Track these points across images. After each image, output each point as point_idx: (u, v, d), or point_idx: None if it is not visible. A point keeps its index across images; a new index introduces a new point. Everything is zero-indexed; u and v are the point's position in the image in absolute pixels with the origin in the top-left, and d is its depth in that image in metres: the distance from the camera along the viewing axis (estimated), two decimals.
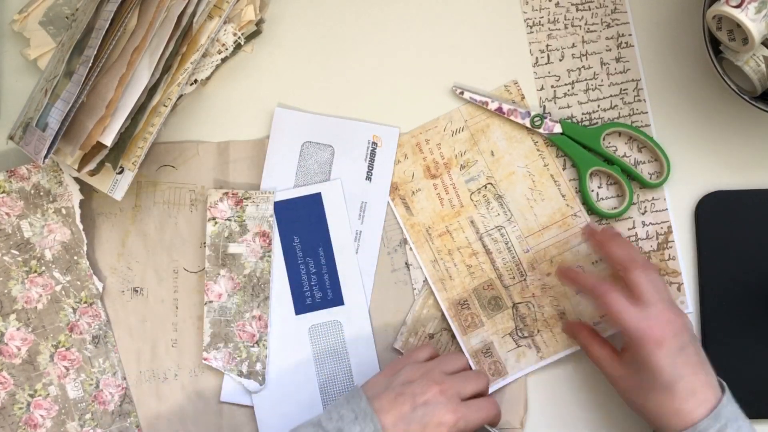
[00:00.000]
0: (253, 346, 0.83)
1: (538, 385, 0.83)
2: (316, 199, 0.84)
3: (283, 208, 0.84)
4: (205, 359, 0.83)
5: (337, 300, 0.84)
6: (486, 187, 0.84)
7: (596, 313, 0.83)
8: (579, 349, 0.81)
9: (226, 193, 0.84)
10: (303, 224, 0.84)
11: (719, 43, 0.79)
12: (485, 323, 0.82)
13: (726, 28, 0.77)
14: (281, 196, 0.84)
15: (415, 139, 0.84)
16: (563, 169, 0.85)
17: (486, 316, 0.82)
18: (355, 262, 0.84)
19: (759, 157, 0.85)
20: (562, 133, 0.84)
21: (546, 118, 0.84)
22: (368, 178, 0.85)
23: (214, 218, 0.84)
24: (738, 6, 0.74)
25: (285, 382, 0.83)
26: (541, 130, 0.84)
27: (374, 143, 0.85)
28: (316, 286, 0.84)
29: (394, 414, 0.72)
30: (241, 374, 0.82)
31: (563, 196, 0.84)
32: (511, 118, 0.84)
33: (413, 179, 0.84)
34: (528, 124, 0.84)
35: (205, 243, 0.84)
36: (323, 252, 0.84)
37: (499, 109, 0.84)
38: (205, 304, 0.83)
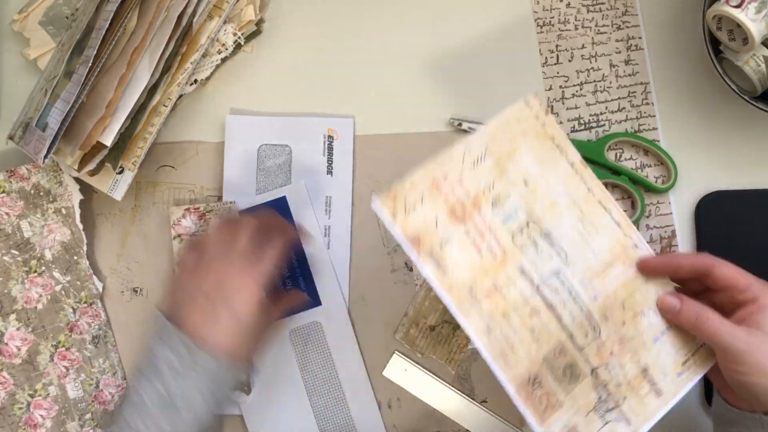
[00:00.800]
0: None
1: None
2: (281, 203, 0.84)
3: (254, 215, 0.83)
4: None
5: (314, 301, 0.84)
6: (528, 226, 0.67)
7: (677, 362, 0.71)
8: (666, 413, 0.71)
9: (188, 209, 0.83)
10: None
11: (719, 43, 0.79)
12: (563, 402, 0.66)
13: (726, 28, 0.78)
14: (246, 203, 0.84)
15: (430, 176, 0.65)
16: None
17: (563, 392, 0.66)
18: (327, 260, 0.84)
19: (759, 157, 0.85)
20: None
21: None
22: (329, 172, 0.85)
23: (179, 235, 0.83)
24: (738, 6, 0.74)
25: (272, 389, 0.83)
26: None
27: (330, 137, 0.85)
28: (292, 290, 0.83)
29: (195, 316, 0.68)
30: None
31: (618, 223, 0.70)
32: None
33: (437, 227, 0.64)
34: None
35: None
36: (294, 254, 0.83)
37: None
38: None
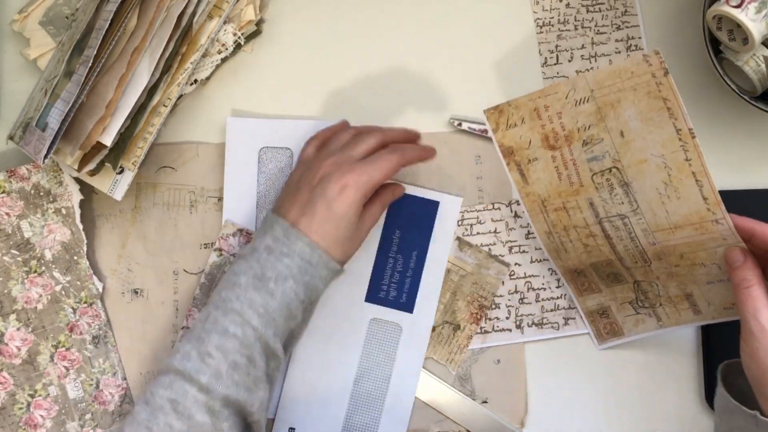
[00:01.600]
0: None
1: (539, 385, 0.83)
2: (432, 206, 0.84)
3: (401, 199, 0.83)
4: None
5: (408, 306, 0.83)
6: (611, 171, 0.73)
7: (728, 301, 0.75)
8: (665, 328, 0.77)
9: (241, 230, 0.83)
10: (410, 223, 0.84)
11: (719, 43, 0.79)
12: (603, 290, 0.80)
13: (726, 28, 0.78)
14: (409, 190, 0.85)
15: (533, 104, 0.73)
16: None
17: (605, 285, 0.79)
18: (439, 279, 0.84)
19: (759, 157, 0.85)
20: None
21: None
22: None
23: (220, 249, 0.83)
24: (738, 6, 0.74)
25: (327, 358, 0.83)
26: None
27: None
28: (395, 284, 0.84)
29: (296, 208, 0.73)
30: None
31: (705, 199, 0.70)
32: None
33: (530, 146, 0.74)
34: None
35: (204, 244, 0.84)
36: (416, 257, 0.84)
37: None
38: (182, 328, 0.83)
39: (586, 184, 0.74)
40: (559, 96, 0.71)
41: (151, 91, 0.79)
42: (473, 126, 0.85)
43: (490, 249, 0.85)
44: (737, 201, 0.83)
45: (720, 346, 0.82)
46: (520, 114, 0.73)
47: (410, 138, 0.80)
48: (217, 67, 0.85)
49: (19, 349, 0.82)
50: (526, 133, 0.74)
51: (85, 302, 0.83)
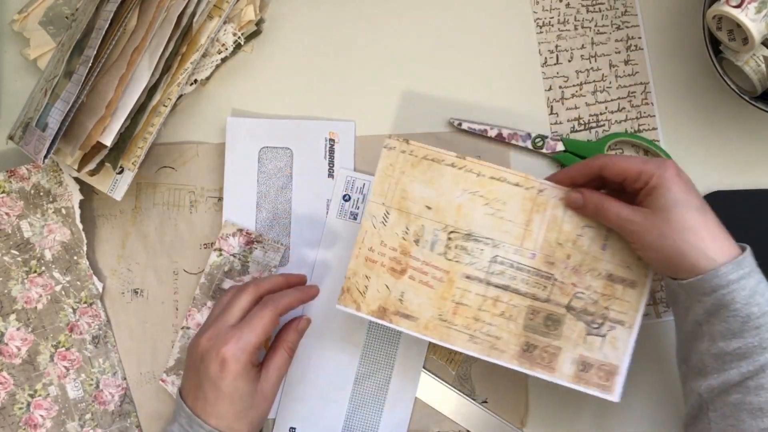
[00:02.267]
0: None
1: (539, 385, 0.83)
2: None
3: None
4: (162, 380, 0.83)
5: None
6: (450, 239, 0.75)
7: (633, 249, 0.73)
8: (634, 326, 0.74)
9: (241, 230, 0.84)
10: None
11: (719, 43, 0.79)
12: (560, 345, 0.74)
13: (726, 28, 0.78)
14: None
15: (361, 257, 0.76)
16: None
17: (556, 339, 0.74)
18: None
19: (759, 157, 0.85)
20: (565, 150, 0.84)
21: (547, 138, 0.84)
22: (330, 175, 0.85)
23: (220, 249, 0.83)
24: (738, 6, 0.74)
25: (327, 360, 0.83)
26: (544, 151, 0.84)
27: (331, 140, 0.85)
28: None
29: (192, 391, 0.72)
30: None
31: (516, 184, 0.74)
32: (513, 142, 0.84)
33: (390, 289, 0.75)
34: (530, 146, 0.84)
35: (204, 244, 0.84)
36: None
37: (500, 135, 0.84)
38: (182, 328, 0.83)
39: (448, 267, 0.75)
40: (370, 233, 0.76)
41: (151, 91, 0.79)
42: (473, 126, 0.85)
43: None
44: (737, 201, 0.83)
45: None
46: (360, 275, 0.76)
47: (290, 282, 0.79)
48: (217, 67, 0.85)
49: (19, 349, 0.82)
50: (378, 283, 0.75)
51: (85, 302, 0.83)
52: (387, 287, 0.75)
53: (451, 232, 0.75)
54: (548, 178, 0.74)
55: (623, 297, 0.74)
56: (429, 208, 0.75)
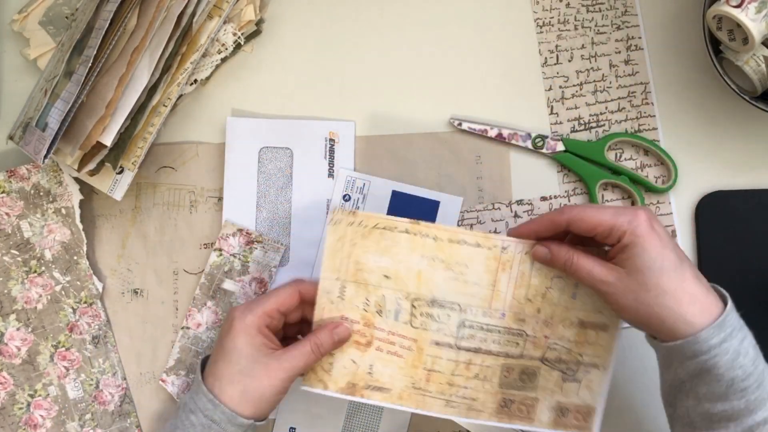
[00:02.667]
0: None
1: None
2: (432, 206, 0.84)
3: (401, 199, 0.84)
4: (162, 380, 0.83)
5: None
6: (414, 306, 0.73)
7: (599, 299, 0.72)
8: (608, 367, 0.74)
9: (241, 230, 0.83)
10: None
11: (719, 43, 0.79)
12: (537, 396, 0.73)
13: (726, 28, 0.78)
14: (404, 189, 0.84)
15: (327, 319, 0.73)
16: (566, 184, 0.82)
17: (532, 391, 0.73)
18: None
19: (759, 157, 0.85)
20: (565, 150, 0.84)
21: (547, 138, 0.84)
22: (330, 175, 0.85)
23: (220, 249, 0.83)
24: (738, 6, 0.74)
25: None
26: (544, 151, 0.84)
27: (331, 140, 0.85)
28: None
29: (210, 359, 0.73)
30: None
31: (477, 245, 0.72)
32: (513, 141, 0.84)
33: (357, 364, 0.73)
34: (530, 146, 0.84)
35: (204, 244, 0.84)
36: None
37: (500, 135, 0.84)
38: (182, 328, 0.83)
39: (415, 336, 0.73)
40: (327, 308, 0.73)
41: (151, 91, 0.79)
42: (473, 126, 0.85)
43: None
44: (737, 201, 0.83)
45: None
46: (329, 361, 0.73)
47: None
48: (217, 67, 0.85)
49: (19, 349, 0.82)
50: (343, 359, 0.73)
51: (85, 302, 0.83)
52: (354, 362, 0.73)
53: (414, 299, 0.73)
54: (512, 231, 0.72)
55: (596, 341, 0.73)
56: (388, 277, 0.73)
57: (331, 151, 0.85)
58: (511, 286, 0.72)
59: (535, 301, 0.73)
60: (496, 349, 0.73)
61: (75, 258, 0.83)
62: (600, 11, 0.86)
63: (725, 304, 0.65)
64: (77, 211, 0.83)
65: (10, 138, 0.80)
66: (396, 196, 0.84)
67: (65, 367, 0.83)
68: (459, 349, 0.73)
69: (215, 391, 0.70)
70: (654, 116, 0.85)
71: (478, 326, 0.73)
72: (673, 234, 0.84)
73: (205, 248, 0.85)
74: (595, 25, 0.86)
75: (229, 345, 0.70)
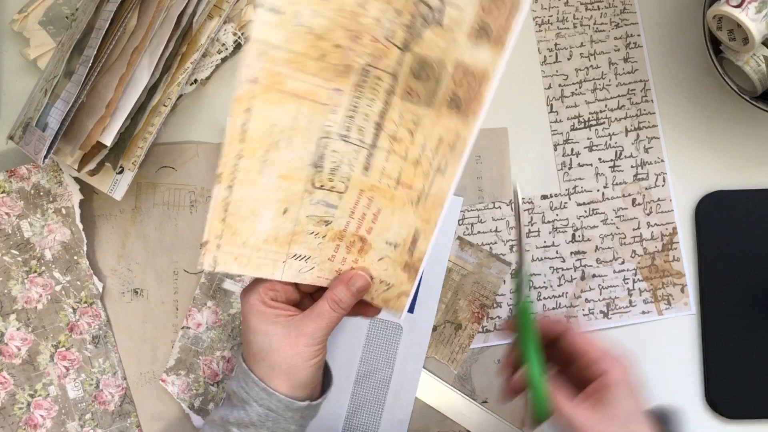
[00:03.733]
0: (212, 385, 0.83)
1: None
2: None
3: None
4: (162, 380, 0.83)
5: (408, 306, 0.83)
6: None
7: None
8: None
9: None
10: None
11: (719, 42, 0.79)
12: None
13: (726, 28, 0.78)
14: None
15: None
16: None
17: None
18: (440, 278, 0.83)
19: (759, 157, 0.85)
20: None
21: None
22: None
23: None
24: (738, 6, 0.74)
25: (327, 357, 0.82)
26: None
27: None
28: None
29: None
30: (191, 407, 0.82)
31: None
32: None
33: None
34: None
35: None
36: None
37: None
38: (182, 328, 0.83)
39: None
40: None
41: (151, 91, 0.79)
42: None
43: (491, 248, 0.85)
44: (737, 201, 0.83)
45: (720, 347, 0.82)
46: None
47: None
48: (218, 67, 0.85)
49: (19, 349, 0.82)
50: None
51: (85, 302, 0.83)
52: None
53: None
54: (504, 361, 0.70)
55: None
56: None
57: None
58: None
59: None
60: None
61: (75, 258, 0.83)
62: (599, 9, 0.86)
63: None
64: (77, 211, 0.83)
65: (10, 138, 0.80)
66: None
67: (65, 367, 0.83)
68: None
69: (253, 369, 0.66)
70: (654, 113, 0.85)
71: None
72: (674, 231, 0.84)
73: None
74: (594, 23, 0.86)
75: (245, 329, 0.67)
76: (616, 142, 0.85)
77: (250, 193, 0.62)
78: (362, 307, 0.68)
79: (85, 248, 0.83)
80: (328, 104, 0.60)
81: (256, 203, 0.62)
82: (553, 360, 0.68)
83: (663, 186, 0.84)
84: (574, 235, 0.85)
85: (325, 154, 0.62)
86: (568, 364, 0.68)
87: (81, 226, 0.83)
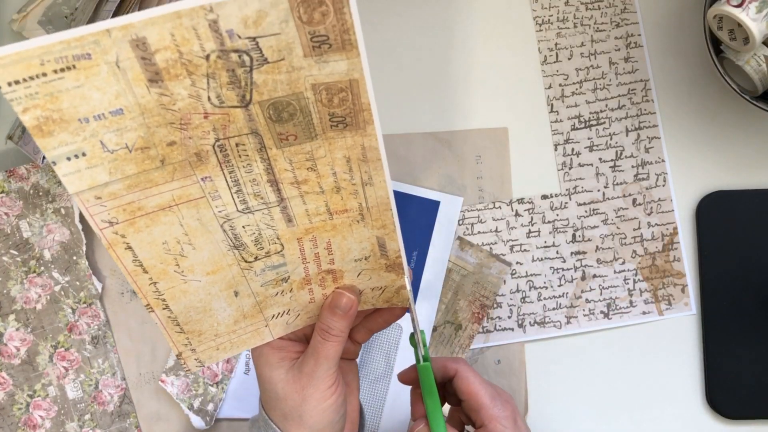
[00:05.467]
0: (212, 386, 0.82)
1: (539, 385, 0.83)
2: (433, 206, 0.84)
3: (402, 199, 0.83)
4: (161, 381, 0.83)
5: (414, 295, 0.83)
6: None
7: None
8: None
9: None
10: (410, 222, 0.84)
11: (720, 42, 0.79)
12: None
13: (727, 28, 0.78)
14: (404, 189, 0.84)
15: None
16: None
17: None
18: (440, 278, 0.84)
19: (760, 157, 0.85)
20: None
21: None
22: None
23: None
24: (739, 5, 0.74)
25: None
26: None
27: None
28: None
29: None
30: (191, 408, 0.82)
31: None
32: None
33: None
34: None
35: None
36: (416, 256, 0.84)
37: None
38: None
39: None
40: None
41: None
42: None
43: (491, 248, 0.85)
44: (737, 201, 0.83)
45: (720, 347, 0.82)
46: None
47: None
48: None
49: (18, 350, 0.82)
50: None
51: (85, 302, 0.83)
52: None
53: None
54: (400, 375, 0.68)
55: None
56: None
57: None
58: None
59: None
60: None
61: (74, 258, 0.83)
62: (599, 9, 0.86)
63: None
64: (76, 211, 0.83)
65: (9, 138, 0.79)
66: (396, 195, 0.84)
67: (64, 367, 0.82)
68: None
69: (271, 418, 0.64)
70: (654, 113, 0.85)
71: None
72: (674, 231, 0.84)
73: None
74: (595, 23, 0.86)
75: (258, 378, 0.65)
76: (616, 142, 0.85)
77: (188, 301, 0.58)
78: (377, 316, 0.66)
79: (84, 248, 0.83)
80: (204, 195, 0.54)
81: (202, 303, 0.58)
82: (453, 398, 0.68)
83: (663, 186, 0.85)
84: (574, 235, 0.85)
85: (238, 234, 0.57)
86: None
87: (80, 226, 0.83)
